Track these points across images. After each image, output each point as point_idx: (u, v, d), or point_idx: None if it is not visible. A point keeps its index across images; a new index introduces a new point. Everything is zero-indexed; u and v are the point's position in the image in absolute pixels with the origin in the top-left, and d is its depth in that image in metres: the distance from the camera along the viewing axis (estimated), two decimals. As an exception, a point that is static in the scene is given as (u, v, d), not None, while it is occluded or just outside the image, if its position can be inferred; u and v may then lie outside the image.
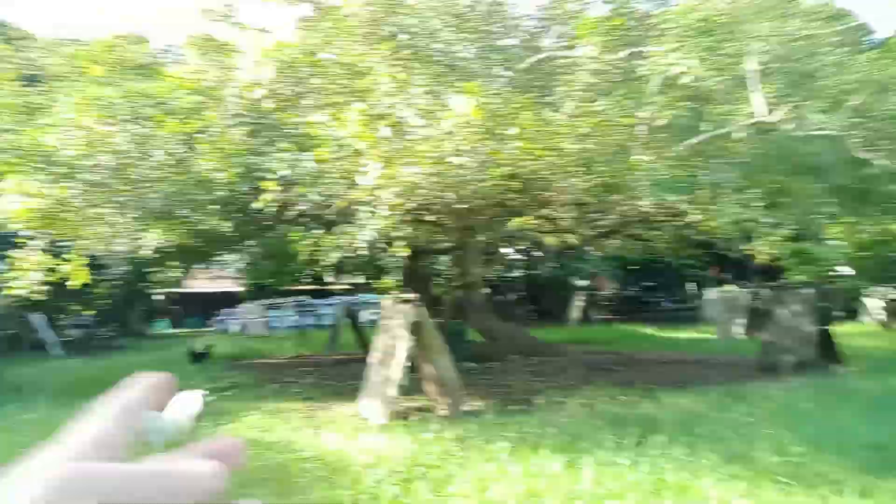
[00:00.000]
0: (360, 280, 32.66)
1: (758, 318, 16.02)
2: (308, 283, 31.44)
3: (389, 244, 8.25)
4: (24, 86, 7.60)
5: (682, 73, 4.96)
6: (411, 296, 8.43)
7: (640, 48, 5.65)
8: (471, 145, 5.54)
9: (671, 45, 5.02)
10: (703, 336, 17.64)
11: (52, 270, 10.11)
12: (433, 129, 5.54)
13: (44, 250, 9.73)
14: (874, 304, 17.49)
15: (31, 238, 8.73)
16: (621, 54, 5.43)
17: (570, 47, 6.30)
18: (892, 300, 16.89)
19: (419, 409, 8.01)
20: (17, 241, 9.33)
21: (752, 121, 5.39)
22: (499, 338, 13.09)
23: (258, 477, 5.01)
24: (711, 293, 21.03)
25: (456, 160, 5.53)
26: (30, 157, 6.18)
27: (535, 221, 10.63)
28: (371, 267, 22.93)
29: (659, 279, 27.50)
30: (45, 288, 10.69)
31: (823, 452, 5.06)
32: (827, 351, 9.60)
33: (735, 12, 5.15)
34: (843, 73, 6.05)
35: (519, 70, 6.57)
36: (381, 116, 5.62)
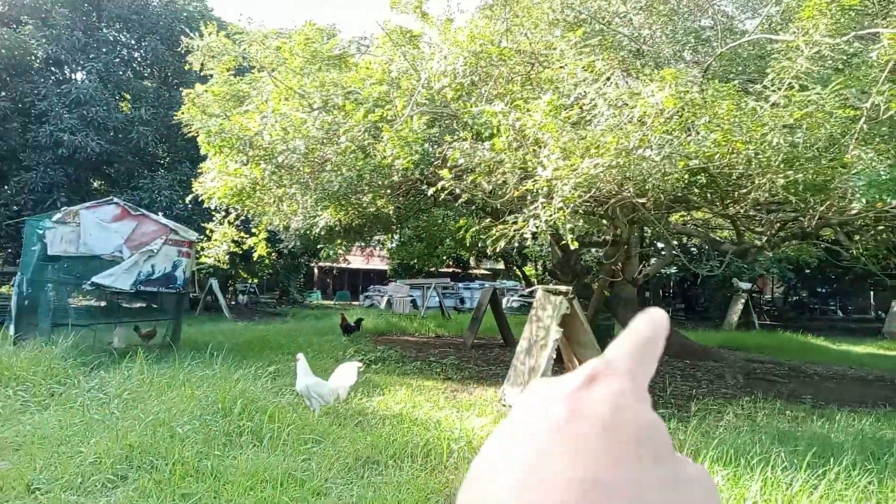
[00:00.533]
0: (501, 266, 32.95)
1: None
2: (450, 267, 32.31)
3: (555, 236, 8.13)
4: (233, 75, 8.37)
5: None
6: (564, 287, 8.29)
7: (874, 29, 4.99)
8: (659, 136, 5.25)
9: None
10: (884, 352, 15.82)
11: (236, 243, 11.16)
12: (620, 119, 5.30)
13: (230, 224, 10.76)
14: None
15: (227, 213, 9.66)
16: (847, 37, 4.83)
17: (778, 30, 5.74)
18: None
19: (562, 402, 7.89)
20: (213, 214, 10.39)
21: None
22: (649, 336, 12.48)
23: (409, 451, 5.18)
24: (900, 305, 18.70)
25: (642, 152, 5.26)
26: (233, 141, 6.76)
27: (708, 218, 9.96)
28: (516, 255, 22.99)
29: (835, 285, 24.90)
30: (228, 257, 11.83)
31: None
32: None
33: None
34: None
35: (716, 54, 6.09)
36: (566, 107, 5.47)
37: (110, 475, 4.38)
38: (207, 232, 10.75)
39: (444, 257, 23.95)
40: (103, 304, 11.69)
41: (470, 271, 34.69)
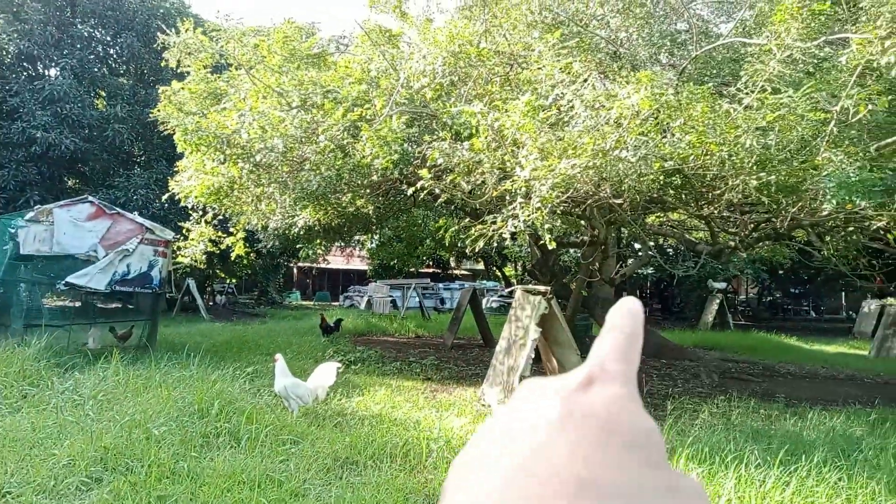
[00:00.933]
0: (480, 267, 33.02)
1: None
2: (430, 267, 32.31)
3: (533, 236, 8.18)
4: (211, 73, 8.29)
5: (892, 63, 4.42)
6: (543, 287, 8.35)
7: (843, 34, 5.11)
8: (635, 137, 5.31)
9: (882, 32, 4.49)
10: (855, 352, 16.18)
11: (213, 242, 11.05)
12: (597, 121, 5.36)
13: (207, 223, 10.65)
14: None
15: (203, 212, 9.56)
16: (818, 41, 4.94)
17: (752, 34, 5.85)
18: None
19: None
20: (190, 213, 10.28)
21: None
22: (626, 336, 12.63)
23: (388, 452, 5.18)
24: (870, 305, 19.09)
25: (619, 153, 5.32)
26: (210, 139, 6.70)
27: (684, 219, 10.10)
28: (496, 255, 23.06)
29: (808, 286, 25.40)
30: (205, 256, 11.71)
31: None
32: None
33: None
34: None
35: (691, 57, 6.18)
36: (544, 108, 5.52)
37: (84, 478, 4.32)
38: (184, 231, 10.63)
39: (425, 258, 23.95)
40: (78, 304, 11.50)
41: (450, 272, 34.73)
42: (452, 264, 33.29)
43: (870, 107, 4.93)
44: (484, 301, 24.11)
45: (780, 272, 22.31)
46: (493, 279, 29.93)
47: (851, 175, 5.10)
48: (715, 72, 6.56)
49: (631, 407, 0.34)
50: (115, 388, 6.47)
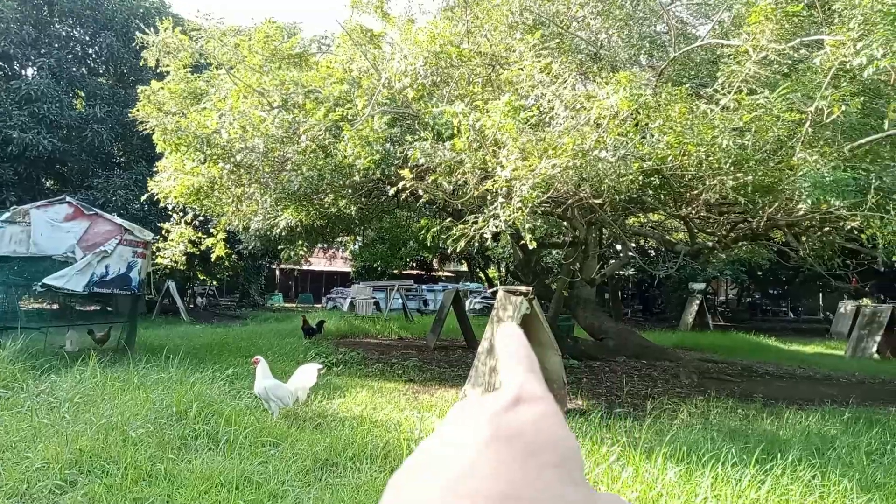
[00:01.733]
0: (464, 268, 33.05)
1: (897, 337, 14.64)
2: (414, 268, 32.29)
3: (515, 236, 8.21)
4: (191, 72, 8.22)
5: (864, 65, 4.50)
6: (525, 288, 8.38)
7: (817, 36, 5.20)
8: (614, 138, 5.36)
9: (854, 34, 4.57)
10: (831, 352, 16.42)
11: (193, 243, 10.96)
12: (577, 121, 5.40)
13: (187, 224, 10.55)
14: None
15: (183, 212, 9.48)
16: (793, 43, 5.02)
17: (729, 35, 5.92)
18: None
19: (522, 402, 7.99)
20: (170, 214, 10.18)
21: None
22: (607, 337, 12.77)
23: (368, 453, 5.17)
24: (846, 306, 19.39)
25: (598, 153, 5.36)
26: (190, 139, 6.65)
27: (664, 219, 10.20)
28: (479, 256, 23.10)
29: (786, 287, 25.77)
30: (184, 258, 11.60)
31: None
32: None
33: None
34: None
35: (670, 59, 6.25)
36: (525, 108, 5.54)
37: (59, 481, 4.25)
38: (164, 232, 10.52)
39: (408, 259, 23.92)
40: (55, 306, 11.33)
41: (433, 273, 34.73)
42: (436, 266, 33.30)
43: (843, 108, 5.02)
44: (467, 302, 24.14)
45: (759, 273, 22.62)
46: (477, 280, 29.99)
47: (826, 175, 5.19)
48: (693, 73, 6.65)
49: (554, 426, 0.36)
50: (93, 390, 6.38)
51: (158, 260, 10.43)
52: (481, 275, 28.66)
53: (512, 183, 5.62)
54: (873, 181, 5.20)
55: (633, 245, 17.39)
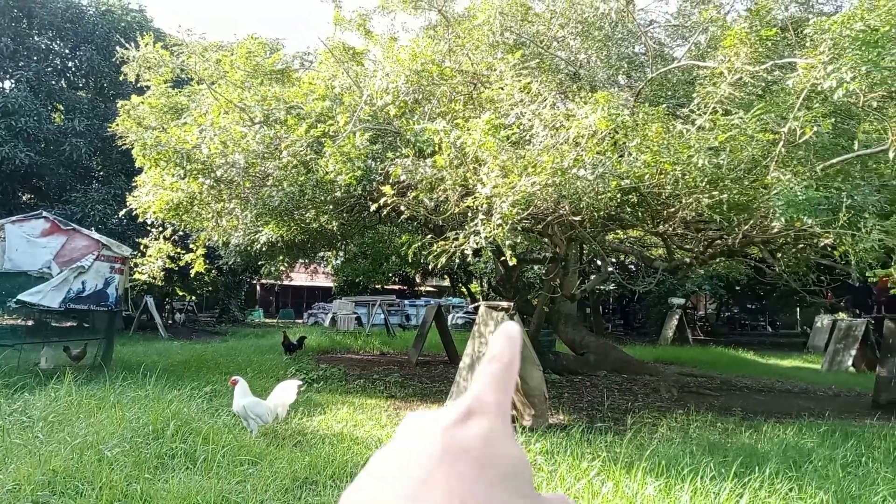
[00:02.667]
0: (447, 283, 33.07)
1: (872, 350, 14.89)
2: (396, 284, 32.23)
3: (496, 252, 8.26)
4: (171, 87, 8.19)
5: (834, 87, 4.64)
6: (506, 303, 8.41)
7: (790, 59, 5.34)
8: (593, 156, 5.44)
9: (824, 58, 4.71)
10: (808, 365, 16.64)
11: (171, 259, 10.85)
12: (557, 140, 5.48)
13: (166, 239, 10.45)
14: None
15: (162, 227, 9.40)
16: (766, 65, 5.15)
17: (705, 57, 6.07)
18: None
19: (503, 418, 7.99)
20: (149, 229, 10.09)
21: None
22: (588, 351, 12.84)
23: (348, 471, 5.13)
24: (822, 320, 19.70)
25: (577, 172, 5.44)
26: (170, 154, 6.62)
27: (643, 236, 10.32)
28: (461, 272, 23.16)
29: (763, 302, 26.13)
30: (163, 273, 11.48)
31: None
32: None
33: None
34: None
35: (647, 79, 6.38)
36: (506, 126, 5.61)
37: (30, 503, 4.16)
38: (142, 248, 10.41)
39: (390, 274, 23.86)
40: (30, 322, 11.13)
41: (416, 288, 34.67)
42: (418, 281, 33.26)
43: (815, 128, 5.16)
44: (449, 317, 24.11)
45: (737, 288, 22.91)
46: (459, 295, 29.99)
47: (798, 194, 5.30)
48: (670, 93, 6.79)
49: (504, 440, 0.37)
50: (67, 409, 6.26)
51: (136, 276, 10.30)
52: (464, 290, 28.68)
53: (492, 200, 5.67)
54: (845, 200, 5.34)
55: (614, 261, 17.59)
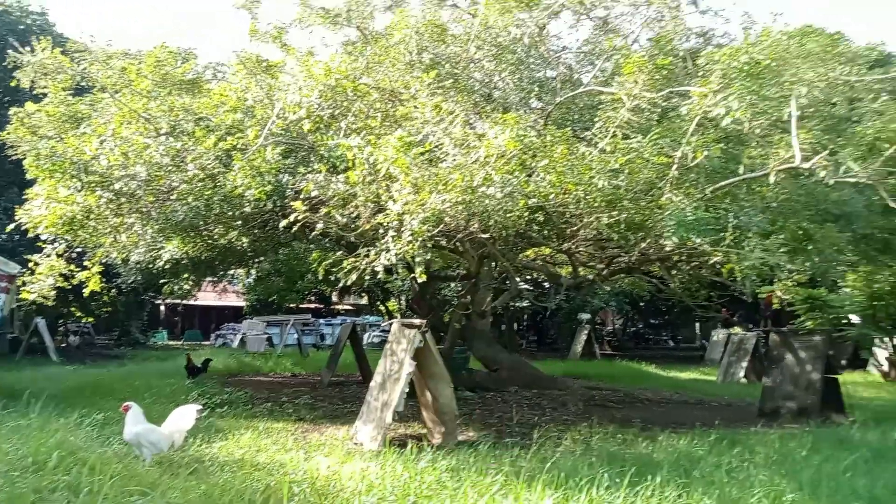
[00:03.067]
0: (364, 301, 32.73)
1: (761, 362, 16.01)
2: (312, 302, 31.53)
3: (408, 269, 8.28)
4: (72, 95, 7.71)
5: (723, 115, 5.04)
6: (418, 321, 8.43)
7: (683, 87, 5.74)
8: (501, 176, 5.60)
9: (714, 86, 5.11)
10: (705, 377, 17.60)
11: (64, 277, 10.13)
12: (466, 158, 5.60)
13: (59, 255, 9.76)
14: (880, 354, 17.42)
15: (52, 242, 8.78)
16: (663, 93, 5.52)
17: (609, 83, 6.41)
18: None
19: (413, 437, 7.96)
20: (41, 244, 9.38)
21: (786, 166, 5.45)
22: (500, 367, 13.05)
23: (247, 498, 4.94)
24: (718, 334, 20.97)
25: (485, 190, 5.58)
26: (66, 165, 6.25)
27: (553, 254, 10.67)
28: (379, 289, 23.00)
29: (666, 317, 27.50)
30: (54, 293, 10.71)
31: (818, 501, 5.01)
32: (830, 400, 9.52)
33: (783, 56, 5.25)
34: (883, 120, 6.15)
35: (555, 103, 6.67)
36: (417, 143, 5.69)
37: None
38: (31, 265, 9.67)
39: (306, 292, 23.33)
40: None
41: (333, 307, 34.08)
42: (335, 299, 32.72)
43: (706, 153, 5.56)
44: (366, 336, 23.85)
45: (641, 304, 24.03)
46: (377, 313, 29.75)
47: (689, 214, 5.69)
48: (576, 117, 7.12)
49: None
50: (-66, 442, 5.67)
51: (24, 294, 9.54)
52: (381, 308, 28.47)
53: (403, 216, 5.71)
54: (731, 220, 5.77)
55: (529, 278, 18.05)
